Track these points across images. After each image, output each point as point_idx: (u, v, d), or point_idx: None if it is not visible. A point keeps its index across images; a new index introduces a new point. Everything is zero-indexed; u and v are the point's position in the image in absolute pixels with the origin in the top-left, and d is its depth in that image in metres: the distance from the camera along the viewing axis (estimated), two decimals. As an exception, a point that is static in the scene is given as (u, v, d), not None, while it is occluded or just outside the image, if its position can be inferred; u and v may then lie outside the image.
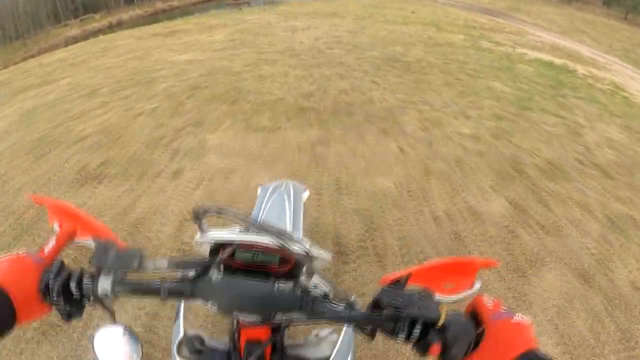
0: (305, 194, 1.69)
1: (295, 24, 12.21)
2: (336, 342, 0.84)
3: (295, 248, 0.67)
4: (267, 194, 1.53)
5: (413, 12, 17.92)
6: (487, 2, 26.55)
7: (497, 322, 0.55)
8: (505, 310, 0.57)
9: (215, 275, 0.65)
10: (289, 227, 1.32)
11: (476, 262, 0.76)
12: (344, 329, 0.86)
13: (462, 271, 0.74)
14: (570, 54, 14.16)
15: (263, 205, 1.45)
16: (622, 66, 16.56)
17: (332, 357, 0.81)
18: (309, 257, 0.70)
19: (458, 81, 6.78)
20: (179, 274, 0.65)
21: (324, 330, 0.87)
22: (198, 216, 0.68)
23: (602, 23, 26.69)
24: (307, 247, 0.70)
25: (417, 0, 23.03)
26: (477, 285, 0.74)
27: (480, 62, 8.80)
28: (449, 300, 0.70)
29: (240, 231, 0.74)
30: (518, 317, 0.56)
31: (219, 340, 0.83)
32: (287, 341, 0.83)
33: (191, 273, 0.65)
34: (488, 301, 0.58)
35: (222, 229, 0.75)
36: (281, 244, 0.65)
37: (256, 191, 1.66)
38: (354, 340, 0.87)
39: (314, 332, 0.88)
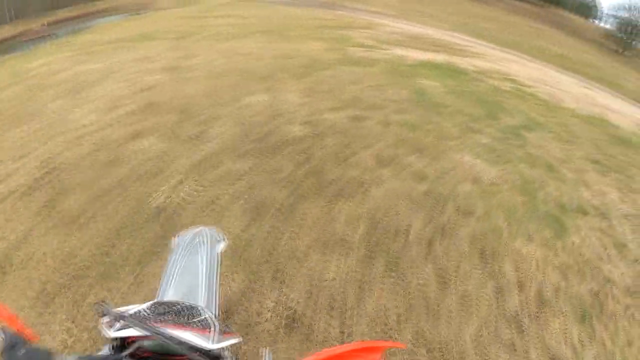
0: (222, 245, 1.50)
1: (90, 68, 7.32)
2: None
3: (198, 352, 0.67)
4: (182, 249, 1.38)
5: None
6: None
7: None
8: None
9: None
10: (202, 297, 1.16)
11: (384, 345, 0.78)
12: None
13: (369, 352, 0.73)
14: (436, 44, 12.60)
15: (177, 265, 1.29)
16: (478, 44, 15.94)
17: None
18: (212, 354, 0.71)
19: (429, 188, 3.52)
20: None
21: None
22: (100, 314, 0.71)
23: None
24: (213, 341, 0.72)
25: (243, 3, 19.59)
26: None
27: (383, 93, 5.78)
28: None
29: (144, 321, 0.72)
30: None
31: None
32: None
33: None
34: None
35: (127, 319, 0.71)
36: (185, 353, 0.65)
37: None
38: None
39: None
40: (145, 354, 0.72)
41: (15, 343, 0.59)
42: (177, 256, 1.34)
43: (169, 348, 0.69)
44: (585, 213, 3.79)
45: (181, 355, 0.70)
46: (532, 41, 21.22)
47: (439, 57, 9.83)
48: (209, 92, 5.58)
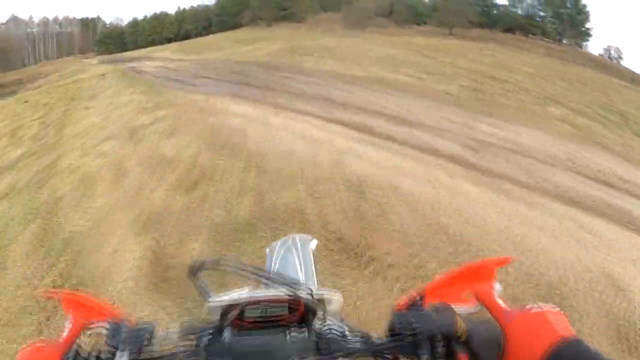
0: (313, 244, 1.53)
1: None
2: None
3: (304, 295, 0.63)
4: (275, 253, 1.44)
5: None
6: (265, 54, 16.70)
7: (516, 317, 0.49)
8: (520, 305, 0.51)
9: (228, 336, 0.64)
10: (301, 279, 1.21)
11: (490, 263, 0.66)
12: None
13: (478, 277, 0.63)
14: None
15: (272, 264, 1.36)
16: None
17: None
18: (318, 302, 0.66)
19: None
20: (193, 341, 0.63)
21: None
22: (194, 273, 0.64)
23: (434, 47, 19.81)
24: (317, 292, 0.67)
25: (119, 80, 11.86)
26: (498, 288, 0.61)
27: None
28: (470, 310, 0.60)
29: (245, 291, 0.68)
30: (539, 307, 0.48)
31: None
32: None
33: (204, 338, 0.62)
34: (499, 299, 0.54)
35: (227, 292, 0.69)
36: (291, 292, 0.61)
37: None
38: None
39: None
40: (247, 321, 0.65)
41: (119, 326, 0.58)
42: (272, 258, 1.40)
43: (271, 311, 0.65)
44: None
45: (283, 316, 0.65)
46: (605, 99, 13.91)
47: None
48: None
